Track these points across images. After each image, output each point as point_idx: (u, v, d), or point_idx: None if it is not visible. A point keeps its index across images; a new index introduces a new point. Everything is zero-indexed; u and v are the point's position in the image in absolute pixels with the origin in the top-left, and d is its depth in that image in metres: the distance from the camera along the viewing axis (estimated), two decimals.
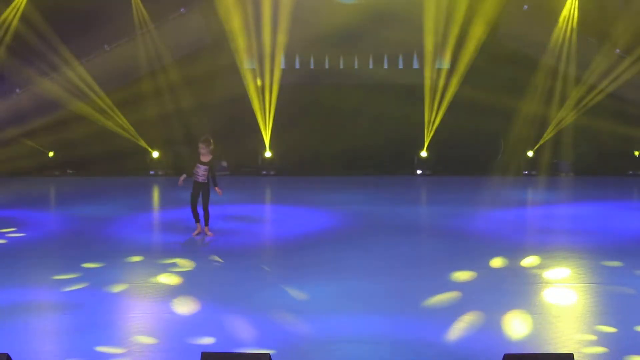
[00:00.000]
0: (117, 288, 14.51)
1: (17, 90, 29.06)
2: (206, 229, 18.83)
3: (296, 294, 14.16)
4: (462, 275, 15.35)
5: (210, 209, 18.65)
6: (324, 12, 28.37)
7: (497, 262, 16.33)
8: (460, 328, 12.23)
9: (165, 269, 15.90)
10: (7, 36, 28.02)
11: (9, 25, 27.96)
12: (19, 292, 14.25)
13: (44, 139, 29.04)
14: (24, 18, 27.77)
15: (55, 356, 11.17)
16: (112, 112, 28.56)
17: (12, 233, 19.33)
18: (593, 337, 11.70)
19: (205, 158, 18.43)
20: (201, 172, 18.42)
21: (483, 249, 17.56)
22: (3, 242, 18.47)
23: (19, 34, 27.86)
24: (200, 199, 18.54)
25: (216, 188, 18.43)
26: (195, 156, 18.45)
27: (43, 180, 28.54)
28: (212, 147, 18.50)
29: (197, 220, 18.80)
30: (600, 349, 11.23)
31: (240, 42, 28.45)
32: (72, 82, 28.44)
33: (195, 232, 18.87)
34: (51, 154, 29.55)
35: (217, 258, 16.81)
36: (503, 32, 28.29)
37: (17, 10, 27.90)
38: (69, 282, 14.86)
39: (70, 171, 29.76)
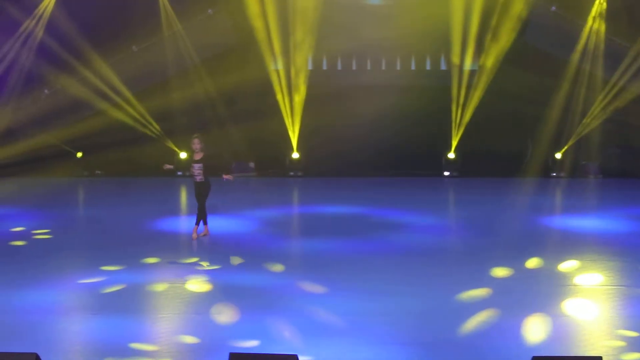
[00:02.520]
0: (146, 289, 14.54)
1: (46, 92, 29.19)
2: (195, 228, 18.70)
3: (325, 296, 14.14)
4: (492, 276, 15.31)
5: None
6: (352, 13, 28.37)
7: (529, 264, 16.26)
8: (488, 328, 12.20)
9: (192, 269, 15.93)
10: (36, 37, 28.14)
11: (37, 25, 28.08)
12: (47, 293, 14.30)
13: (72, 140, 29.14)
14: (52, 19, 27.88)
15: (83, 356, 11.21)
16: (138, 113, 28.64)
17: (40, 234, 19.40)
18: (622, 341, 11.63)
19: (198, 156, 18.48)
20: (196, 170, 18.44)
21: (512, 250, 17.49)
22: (31, 243, 18.54)
23: (46, 34, 27.96)
24: (202, 196, 18.55)
25: (225, 175, 18.43)
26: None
27: (71, 181, 28.64)
28: (203, 144, 18.50)
29: (205, 222, 18.78)
30: (630, 354, 11.16)
31: (267, 43, 28.46)
32: (100, 83, 28.53)
33: (202, 233, 18.87)
34: (79, 154, 29.66)
35: (238, 259, 16.80)
36: (531, 33, 28.17)
37: (45, 11, 28.02)
38: (96, 283, 14.91)
39: (99, 172, 29.87)
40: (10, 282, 15.01)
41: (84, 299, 14.06)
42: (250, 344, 11.49)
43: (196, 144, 18.50)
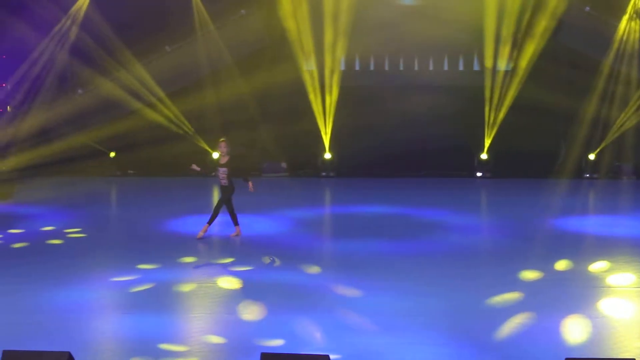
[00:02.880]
0: (177, 288, 14.58)
1: (79, 91, 29.35)
2: (205, 227, 18.66)
3: (357, 296, 14.13)
4: (525, 277, 15.24)
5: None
6: (384, 14, 28.33)
7: (561, 265, 16.18)
8: (521, 330, 12.14)
9: (225, 269, 15.97)
10: (69, 38, 28.30)
11: (71, 26, 28.24)
12: (80, 292, 14.37)
13: (105, 140, 29.31)
14: (86, 19, 28.03)
15: (116, 355, 11.25)
16: (172, 113, 28.74)
17: (74, 233, 19.51)
18: None
19: (224, 159, 18.55)
20: (221, 174, 18.50)
21: (546, 251, 17.41)
22: (64, 242, 18.65)
23: (80, 35, 28.12)
24: (223, 199, 18.57)
25: (249, 183, 18.46)
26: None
27: (104, 181, 28.79)
28: (229, 148, 18.51)
29: (236, 223, 18.83)
30: None
31: (300, 43, 28.49)
32: (133, 83, 28.67)
33: (234, 233, 18.90)
34: (112, 154, 29.82)
35: (268, 259, 16.80)
36: (564, 33, 28.04)
37: (79, 12, 28.17)
38: (129, 282, 14.96)
39: (131, 171, 30.01)
40: (45, 280, 15.09)
41: (118, 297, 14.12)
42: (281, 344, 11.49)
43: (222, 147, 18.55)
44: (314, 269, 16.03)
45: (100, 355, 11.16)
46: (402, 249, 17.87)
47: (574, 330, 12.23)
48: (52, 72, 28.35)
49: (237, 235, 18.84)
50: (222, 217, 19.03)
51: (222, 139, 18.74)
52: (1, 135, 24.74)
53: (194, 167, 18.86)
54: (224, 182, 18.50)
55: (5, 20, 24.60)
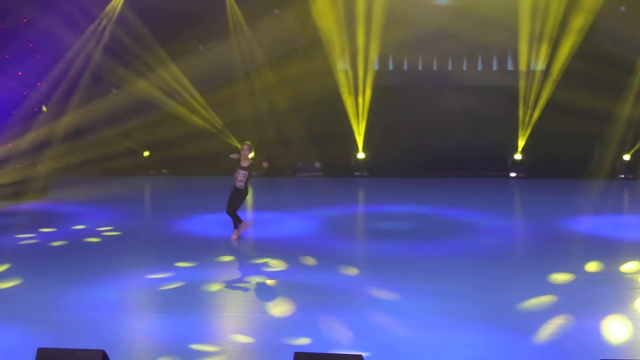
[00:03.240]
0: (211, 287, 14.63)
1: (114, 91, 29.50)
2: (235, 231, 18.64)
3: (390, 296, 14.12)
4: (558, 278, 15.18)
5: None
6: (418, 14, 28.28)
7: (593, 266, 16.10)
8: (555, 332, 12.09)
9: (258, 269, 15.99)
10: (103, 37, 28.44)
11: (106, 26, 28.38)
12: (115, 290, 14.44)
13: (139, 139, 29.44)
14: (121, 19, 28.17)
15: (150, 354, 11.30)
16: (206, 112, 28.82)
17: (108, 232, 19.61)
18: None
19: (245, 162, 18.28)
20: (240, 177, 18.27)
21: (581, 252, 17.33)
22: (99, 240, 18.75)
23: (115, 34, 28.26)
24: (234, 202, 18.48)
25: (264, 163, 18.41)
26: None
27: (138, 180, 28.91)
28: (252, 151, 18.39)
29: (237, 224, 18.64)
30: None
31: (333, 43, 28.50)
32: (167, 82, 28.77)
33: (235, 234, 18.79)
34: (146, 153, 29.94)
35: (305, 259, 16.82)
36: (599, 33, 27.88)
37: (114, 11, 28.31)
38: (163, 280, 15.03)
39: (165, 170, 30.12)
40: (81, 278, 15.19)
41: (152, 295, 14.19)
42: (312, 344, 11.49)
43: (245, 149, 18.23)
44: (347, 269, 16.03)
45: (133, 354, 11.21)
46: (435, 249, 17.84)
47: (609, 331, 12.17)
48: (87, 71, 28.49)
49: (238, 235, 18.81)
50: (254, 216, 19.03)
51: (246, 142, 18.52)
52: (37, 135, 24.89)
53: (234, 155, 18.60)
54: (240, 184, 18.28)
55: (40, 19, 24.76)
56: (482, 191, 26.61)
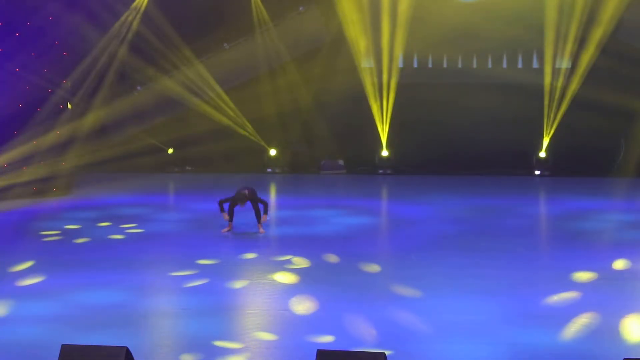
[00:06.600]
0: (234, 284, 14.65)
1: (138, 88, 29.56)
2: (260, 226, 18.93)
3: (413, 294, 14.10)
4: (582, 277, 15.11)
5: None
6: (443, 11, 28.18)
7: (618, 265, 16.02)
8: (578, 330, 12.04)
9: (281, 266, 15.99)
10: (129, 34, 28.50)
11: (131, 23, 28.45)
12: (138, 288, 14.49)
13: (163, 136, 29.49)
14: (146, 16, 28.22)
15: (173, 350, 11.32)
16: (230, 110, 28.85)
17: (132, 229, 19.66)
18: None
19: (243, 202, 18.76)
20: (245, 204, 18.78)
21: (603, 250, 17.24)
22: (123, 237, 18.80)
23: (140, 32, 28.31)
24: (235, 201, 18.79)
25: (264, 216, 18.74)
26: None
27: (162, 177, 28.96)
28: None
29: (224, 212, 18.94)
30: None
31: (358, 40, 28.46)
32: (192, 80, 28.81)
33: (225, 229, 19.04)
34: (170, 150, 29.98)
35: (328, 257, 16.80)
36: (626, 30, 27.70)
37: (139, 9, 28.38)
38: (186, 278, 15.06)
39: (189, 168, 30.16)
40: (105, 275, 15.24)
41: (176, 292, 14.23)
42: (335, 341, 11.49)
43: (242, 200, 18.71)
44: (370, 267, 16.01)
45: (156, 351, 11.24)
46: (459, 247, 17.77)
47: (633, 330, 12.10)
48: (112, 69, 28.56)
49: (229, 230, 19.02)
50: (277, 214, 19.02)
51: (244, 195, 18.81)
52: (62, 132, 24.97)
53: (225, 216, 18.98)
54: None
55: (66, 16, 24.84)
56: (506, 189, 26.46)
